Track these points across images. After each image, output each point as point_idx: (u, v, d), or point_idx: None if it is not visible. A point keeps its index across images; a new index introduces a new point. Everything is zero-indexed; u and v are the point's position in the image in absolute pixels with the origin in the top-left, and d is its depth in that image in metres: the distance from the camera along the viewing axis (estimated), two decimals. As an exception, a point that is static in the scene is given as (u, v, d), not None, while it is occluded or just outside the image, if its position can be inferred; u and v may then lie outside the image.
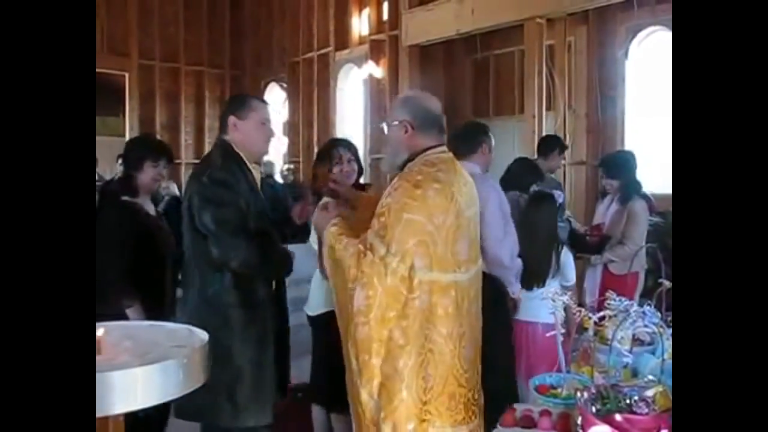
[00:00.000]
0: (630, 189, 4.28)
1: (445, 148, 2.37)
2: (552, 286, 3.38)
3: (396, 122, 2.34)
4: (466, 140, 3.42)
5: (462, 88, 8.63)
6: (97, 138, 2.74)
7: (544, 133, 6.53)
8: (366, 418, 2.21)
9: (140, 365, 1.30)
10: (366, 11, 9.63)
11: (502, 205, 3.26)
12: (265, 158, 9.45)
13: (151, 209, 3.04)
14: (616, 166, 4.43)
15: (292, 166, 10.38)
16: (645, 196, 4.51)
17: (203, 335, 1.53)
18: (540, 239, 3.48)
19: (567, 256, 3.62)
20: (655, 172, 6.19)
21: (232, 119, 2.67)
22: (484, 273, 2.57)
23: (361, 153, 5.72)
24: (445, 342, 2.18)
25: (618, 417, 1.52)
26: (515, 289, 3.36)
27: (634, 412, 1.54)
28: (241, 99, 2.84)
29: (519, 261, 3.29)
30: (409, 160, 2.31)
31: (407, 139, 2.32)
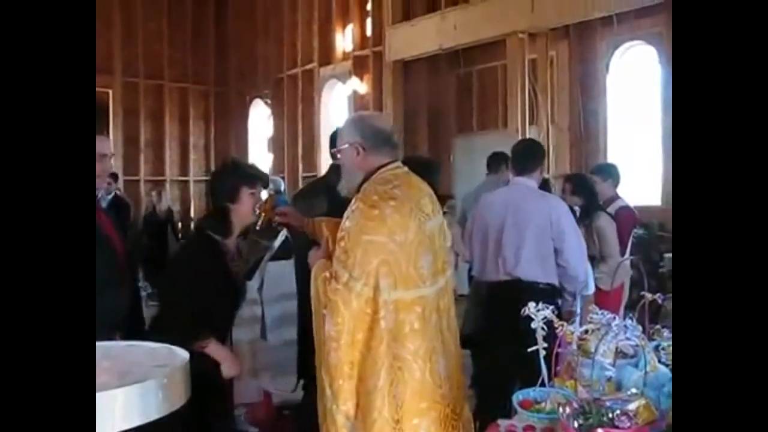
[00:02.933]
0: (589, 207, 4.23)
1: (399, 163, 2.34)
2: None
3: (346, 145, 2.32)
4: (527, 159, 3.52)
5: (446, 103, 8.67)
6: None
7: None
8: None
9: (119, 386, 1.29)
10: (350, 27, 9.67)
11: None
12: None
13: (233, 247, 2.74)
14: (577, 186, 4.40)
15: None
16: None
17: (184, 354, 1.52)
18: None
19: (588, 267, 3.75)
20: (637, 185, 6.23)
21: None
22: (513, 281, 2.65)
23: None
24: (413, 359, 2.17)
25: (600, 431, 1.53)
26: (577, 302, 3.43)
27: (617, 426, 1.54)
28: None
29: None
30: (365, 180, 2.29)
31: (360, 161, 2.30)
